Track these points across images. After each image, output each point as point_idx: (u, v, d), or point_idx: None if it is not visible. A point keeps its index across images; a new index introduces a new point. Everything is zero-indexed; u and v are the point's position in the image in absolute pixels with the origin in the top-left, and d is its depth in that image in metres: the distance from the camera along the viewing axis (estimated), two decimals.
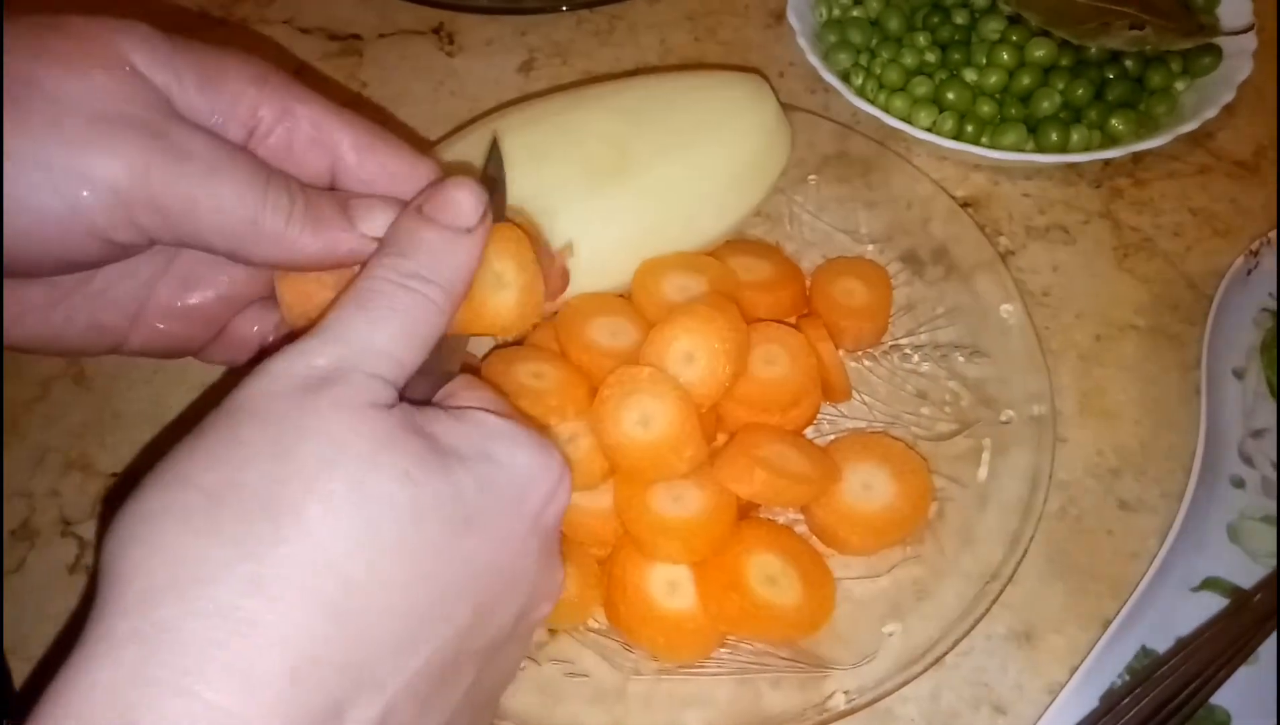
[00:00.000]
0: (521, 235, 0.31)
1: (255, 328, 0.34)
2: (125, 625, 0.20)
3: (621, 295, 0.42)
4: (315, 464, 0.22)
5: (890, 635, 0.37)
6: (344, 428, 0.23)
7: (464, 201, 0.28)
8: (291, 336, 0.26)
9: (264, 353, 0.26)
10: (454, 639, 0.24)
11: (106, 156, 0.25)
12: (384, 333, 0.25)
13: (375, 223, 0.29)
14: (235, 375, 0.25)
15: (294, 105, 0.29)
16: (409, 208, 0.28)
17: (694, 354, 0.37)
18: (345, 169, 0.30)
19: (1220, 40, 0.52)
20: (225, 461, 0.22)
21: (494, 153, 0.36)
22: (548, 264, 0.38)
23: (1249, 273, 0.46)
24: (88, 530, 0.42)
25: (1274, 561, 0.39)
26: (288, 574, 0.21)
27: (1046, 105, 0.50)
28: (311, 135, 0.30)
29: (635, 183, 0.41)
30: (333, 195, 0.29)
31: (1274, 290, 0.46)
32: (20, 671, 0.39)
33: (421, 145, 0.45)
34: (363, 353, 0.25)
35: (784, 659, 0.37)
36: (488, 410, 0.27)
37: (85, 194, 0.25)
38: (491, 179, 0.35)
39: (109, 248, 0.27)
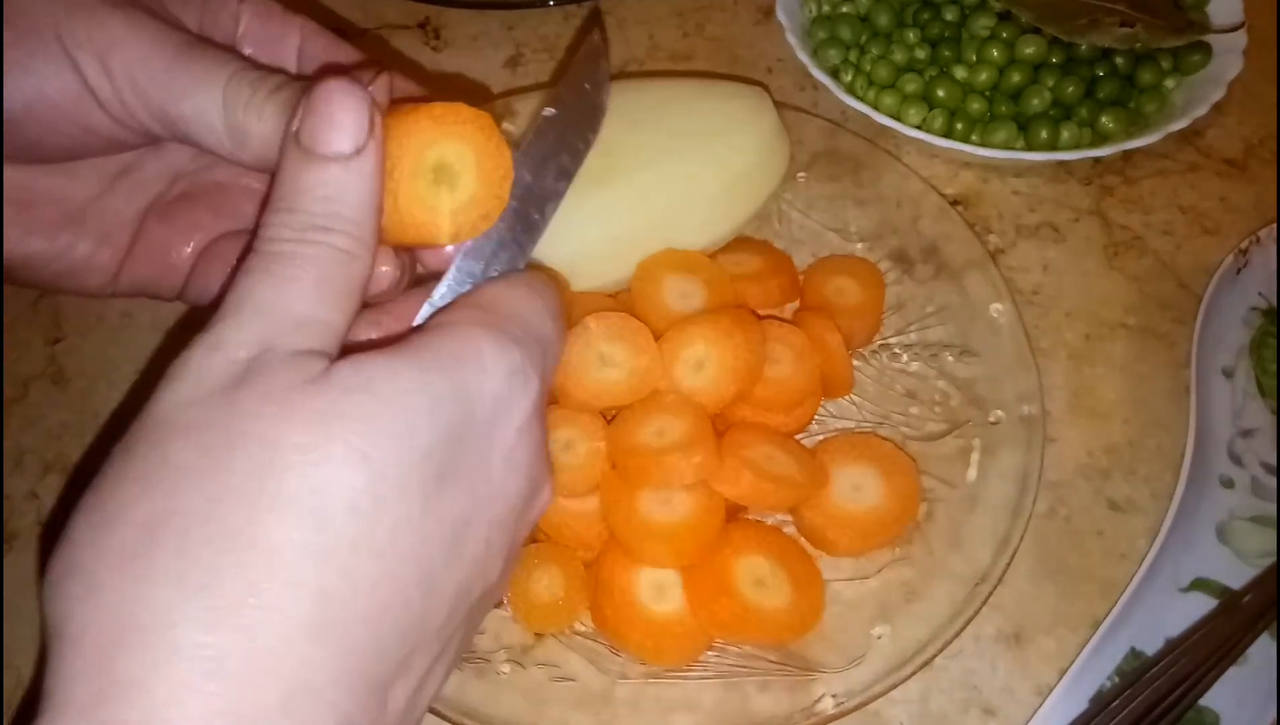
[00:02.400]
0: (477, 117, 0.26)
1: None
2: (86, 689, 0.19)
3: (610, 295, 0.42)
4: (252, 472, 0.20)
5: (879, 637, 0.36)
6: (276, 421, 0.20)
7: (340, 117, 0.23)
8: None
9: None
10: (447, 604, 0.23)
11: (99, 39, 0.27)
12: (298, 298, 0.23)
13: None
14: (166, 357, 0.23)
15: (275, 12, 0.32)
16: (286, 135, 0.24)
17: (705, 363, 0.37)
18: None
19: (1210, 38, 0.52)
20: (154, 489, 0.20)
21: (596, 28, 0.32)
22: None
23: (1238, 272, 0.46)
24: None
25: (1263, 562, 0.39)
26: (249, 601, 0.19)
27: (1036, 103, 0.50)
28: (279, 33, 0.32)
29: (619, 186, 0.40)
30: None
31: (1263, 289, 0.46)
32: None
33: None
34: (283, 327, 0.22)
35: (772, 662, 0.36)
36: (469, 321, 0.24)
37: (92, 73, 0.27)
38: (592, 58, 0.30)
39: (114, 128, 0.28)
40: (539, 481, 0.27)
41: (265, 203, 0.24)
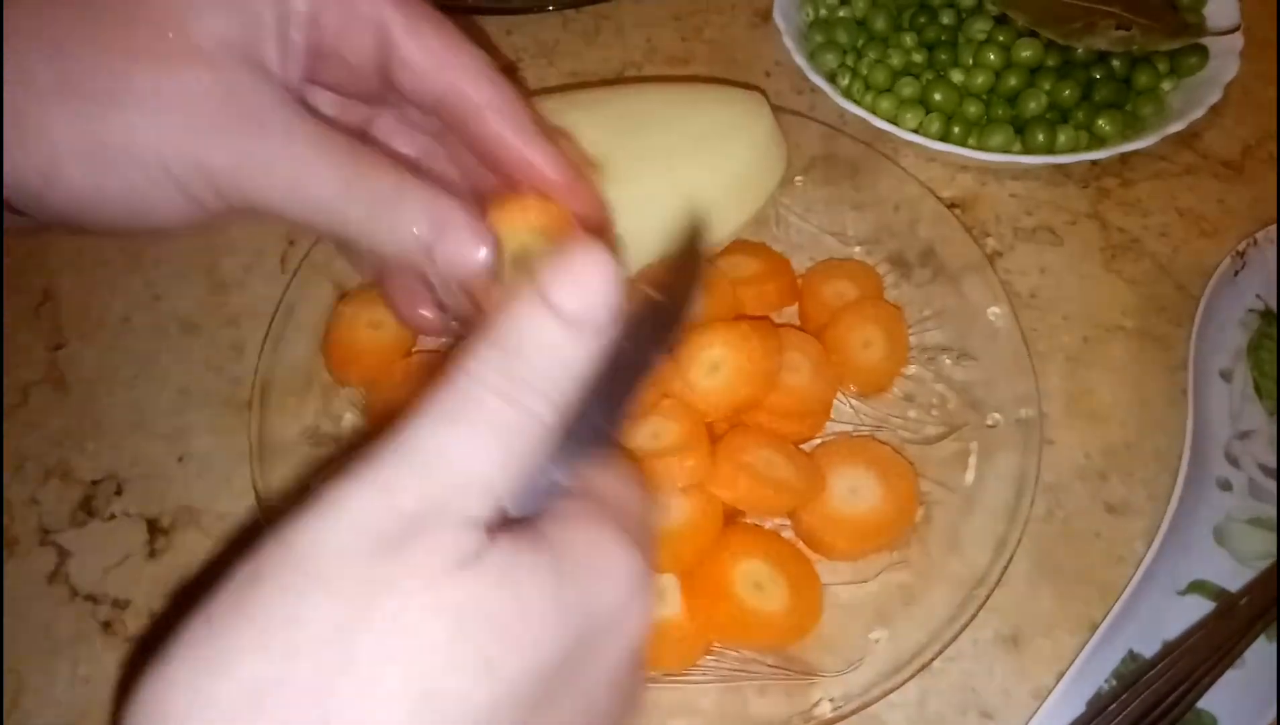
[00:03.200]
0: (561, 213, 0.29)
1: None
2: None
3: None
4: (379, 658, 0.19)
5: (877, 641, 0.37)
6: (419, 606, 0.19)
7: (597, 290, 0.22)
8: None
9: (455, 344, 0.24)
10: None
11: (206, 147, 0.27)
12: (482, 460, 0.21)
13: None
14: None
15: None
16: (530, 290, 0.22)
17: (720, 366, 0.37)
18: (395, 52, 0.31)
19: (1206, 40, 0.52)
20: (274, 647, 0.19)
21: (696, 234, 0.31)
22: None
23: (1235, 274, 0.46)
24: (67, 539, 0.42)
25: (1260, 564, 0.39)
26: None
27: (1033, 106, 0.50)
28: (366, 12, 0.31)
29: (615, 191, 0.40)
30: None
31: (1261, 291, 0.46)
32: None
33: None
34: (457, 489, 0.20)
35: (770, 666, 0.37)
36: (594, 515, 0.23)
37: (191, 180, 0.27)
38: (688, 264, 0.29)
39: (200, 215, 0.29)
40: (638, 684, 0.26)
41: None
